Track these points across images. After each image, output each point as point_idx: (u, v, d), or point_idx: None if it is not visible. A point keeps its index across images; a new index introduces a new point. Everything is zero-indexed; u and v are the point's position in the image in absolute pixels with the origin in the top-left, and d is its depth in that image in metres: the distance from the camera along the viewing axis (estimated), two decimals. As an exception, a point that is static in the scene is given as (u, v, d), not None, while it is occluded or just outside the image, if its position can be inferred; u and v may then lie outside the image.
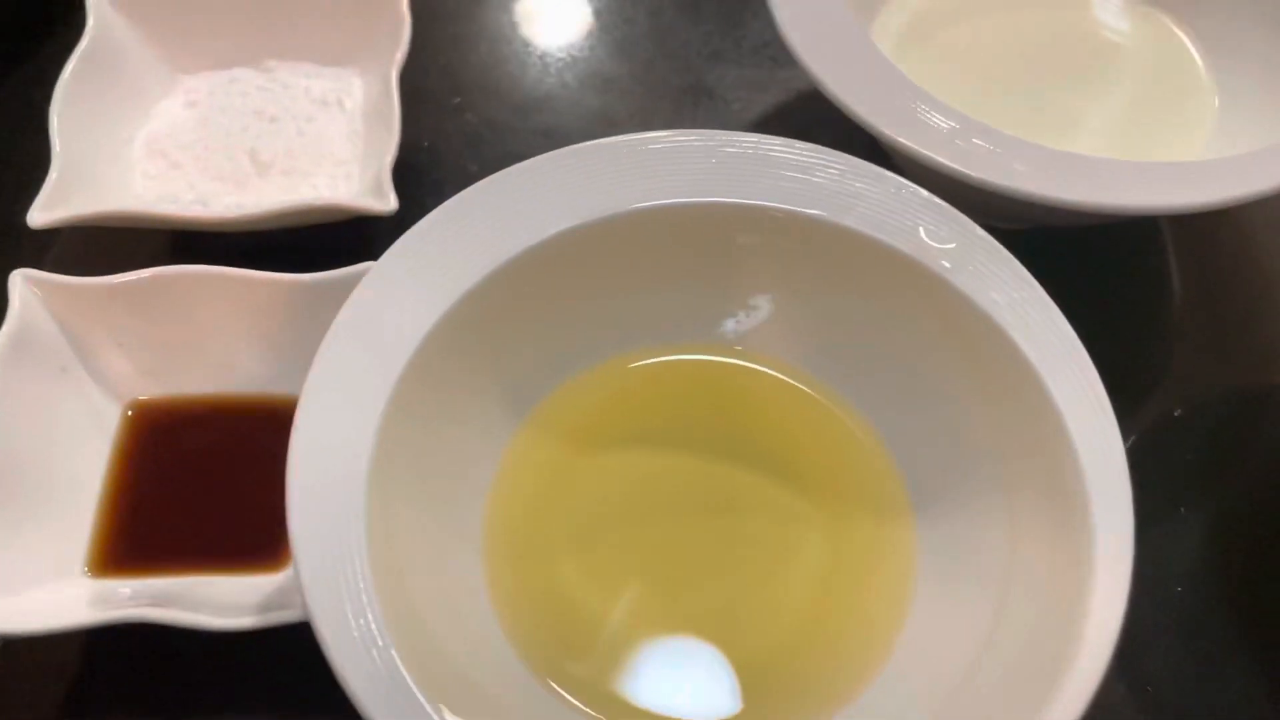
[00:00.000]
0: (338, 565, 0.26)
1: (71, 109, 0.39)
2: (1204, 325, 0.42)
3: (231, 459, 0.36)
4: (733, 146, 0.33)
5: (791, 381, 0.35)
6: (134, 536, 0.34)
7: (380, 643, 0.25)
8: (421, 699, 0.25)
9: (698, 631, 0.32)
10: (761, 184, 0.33)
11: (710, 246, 0.34)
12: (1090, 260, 0.42)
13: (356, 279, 0.34)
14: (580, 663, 0.31)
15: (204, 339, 0.36)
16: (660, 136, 0.33)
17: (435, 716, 0.24)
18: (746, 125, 0.46)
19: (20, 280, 0.35)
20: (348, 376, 0.29)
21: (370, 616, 0.26)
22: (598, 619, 0.32)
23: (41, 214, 0.36)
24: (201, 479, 0.35)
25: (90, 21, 0.40)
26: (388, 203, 0.37)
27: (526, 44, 0.48)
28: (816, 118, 0.47)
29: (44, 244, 0.42)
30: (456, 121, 0.46)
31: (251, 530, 0.34)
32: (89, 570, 0.33)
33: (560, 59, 0.48)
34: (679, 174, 0.33)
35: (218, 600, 0.32)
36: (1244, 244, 0.45)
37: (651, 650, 0.31)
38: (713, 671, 0.31)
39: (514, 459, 0.34)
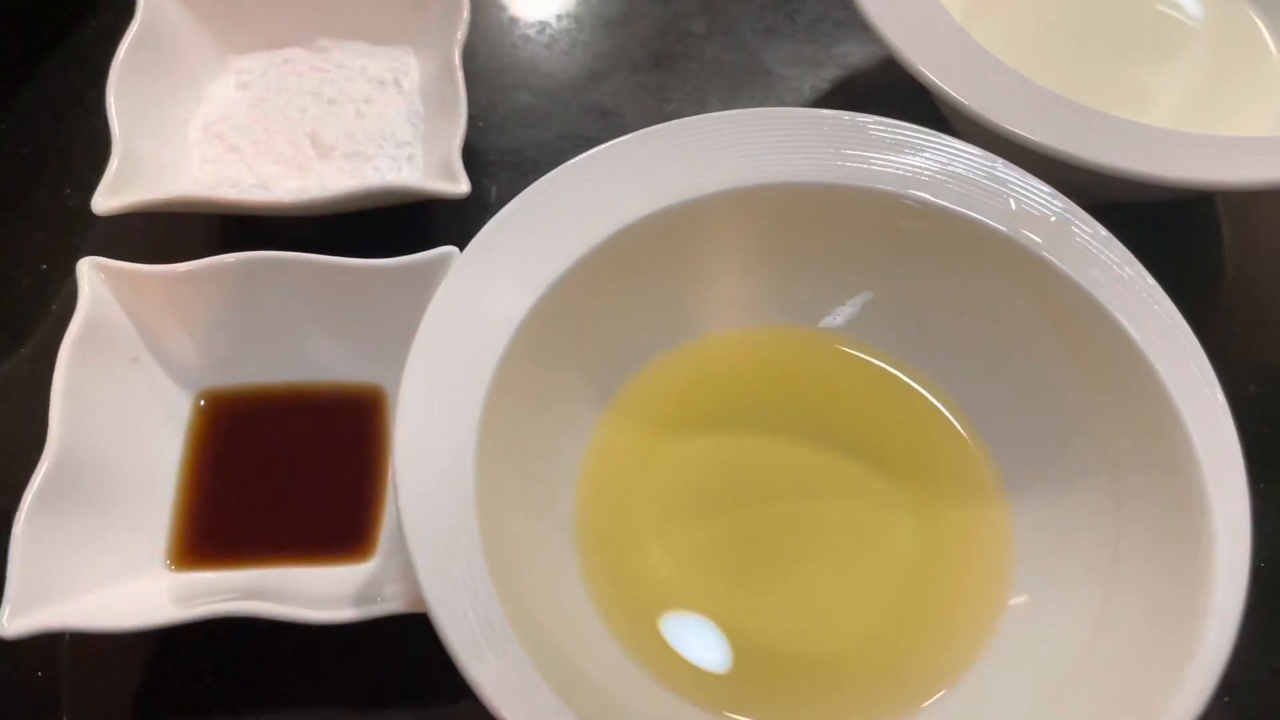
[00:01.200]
0: (452, 560, 0.26)
1: (126, 93, 0.38)
2: (1264, 304, 0.42)
3: (306, 448, 0.35)
4: (821, 124, 0.33)
5: (878, 363, 0.34)
6: (213, 529, 0.33)
7: (503, 637, 0.25)
8: (551, 694, 0.24)
9: (787, 616, 0.32)
10: (851, 163, 0.32)
11: (798, 227, 0.33)
12: (1147, 235, 0.42)
13: (432, 264, 0.34)
14: (667, 650, 0.31)
15: (275, 327, 0.35)
16: (744, 114, 0.33)
17: (567, 711, 0.24)
18: (804, 101, 0.45)
19: (89, 268, 0.34)
20: (447, 367, 0.29)
21: (490, 611, 0.25)
22: (686, 605, 0.32)
23: (106, 200, 0.35)
24: (278, 469, 0.35)
25: (140, 3, 0.39)
26: (459, 185, 0.36)
27: (578, 21, 0.48)
28: (874, 90, 0.47)
29: (93, 229, 0.41)
30: (510, 101, 0.45)
31: (333, 519, 0.34)
32: (170, 564, 0.32)
33: (613, 37, 0.47)
34: (767, 153, 0.32)
35: (306, 592, 0.31)
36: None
37: (741, 637, 0.31)
38: (806, 658, 0.31)
39: (600, 446, 0.33)
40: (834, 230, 0.33)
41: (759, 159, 0.32)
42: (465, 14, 0.40)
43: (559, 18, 0.48)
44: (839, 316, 0.35)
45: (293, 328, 0.35)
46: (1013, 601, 0.31)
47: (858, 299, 0.34)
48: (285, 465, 0.35)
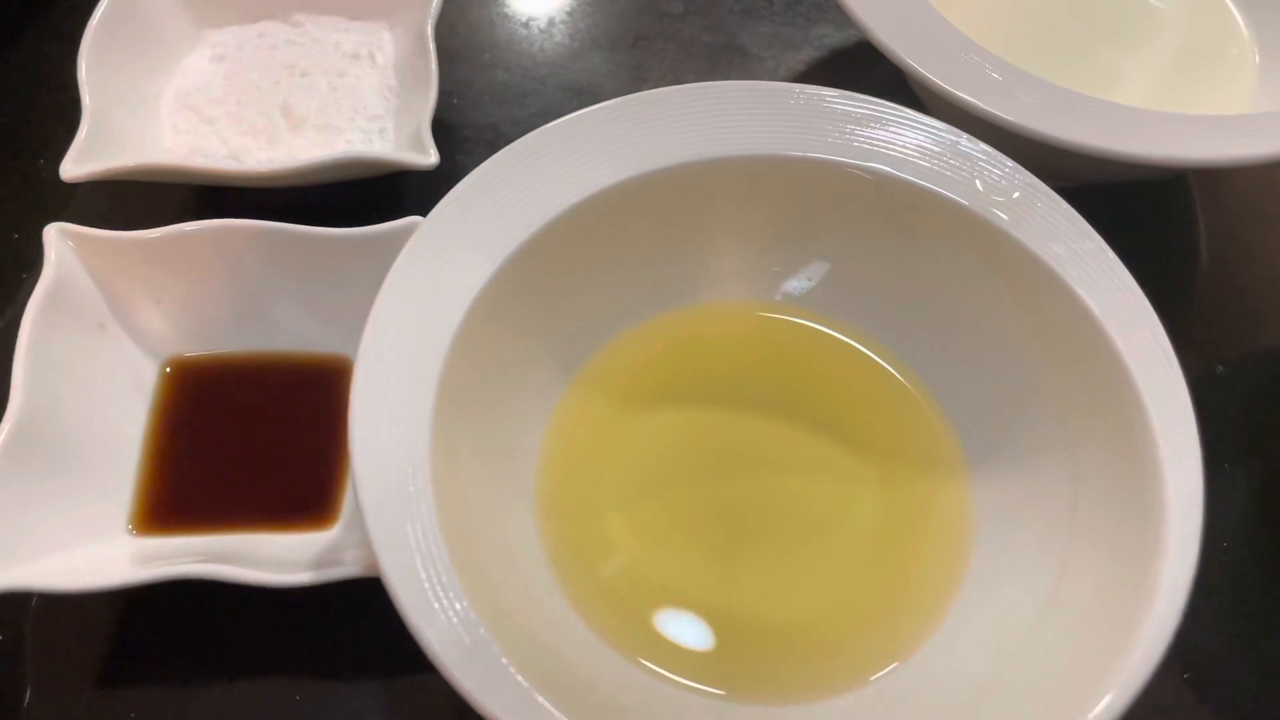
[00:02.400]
0: (406, 521, 0.26)
1: (98, 62, 0.38)
2: (1235, 284, 0.42)
3: (273, 417, 0.35)
4: (787, 98, 0.33)
5: (842, 338, 0.34)
6: (177, 495, 0.33)
7: (454, 600, 0.25)
8: (503, 658, 0.24)
9: (747, 587, 0.32)
10: (816, 136, 0.32)
11: (762, 200, 0.33)
12: (1120, 217, 0.42)
13: (399, 234, 0.34)
14: (629, 618, 0.31)
15: (242, 295, 0.35)
16: (711, 87, 0.33)
17: (517, 675, 0.24)
18: (778, 76, 0.45)
19: (55, 233, 0.34)
20: (405, 332, 0.29)
21: (441, 573, 0.25)
22: (648, 576, 0.32)
23: (74, 167, 0.35)
24: (243, 437, 0.35)
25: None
26: (428, 157, 0.36)
27: (564, 6, 0.48)
28: (850, 74, 0.47)
29: (67, 198, 0.41)
30: (486, 78, 0.45)
31: (297, 487, 0.34)
32: (133, 529, 0.32)
33: (590, 16, 0.47)
34: (731, 126, 0.33)
35: (267, 557, 0.31)
36: (1273, 204, 0.44)
37: (699, 605, 0.31)
38: (762, 627, 0.31)
39: (564, 416, 0.33)
40: (798, 203, 0.33)
41: (723, 132, 0.32)
42: (438, -7, 0.40)
43: (538, -4, 0.48)
44: (804, 291, 0.35)
45: (260, 297, 0.35)
46: (969, 574, 0.31)
47: (822, 273, 0.34)
48: (250, 433, 0.35)
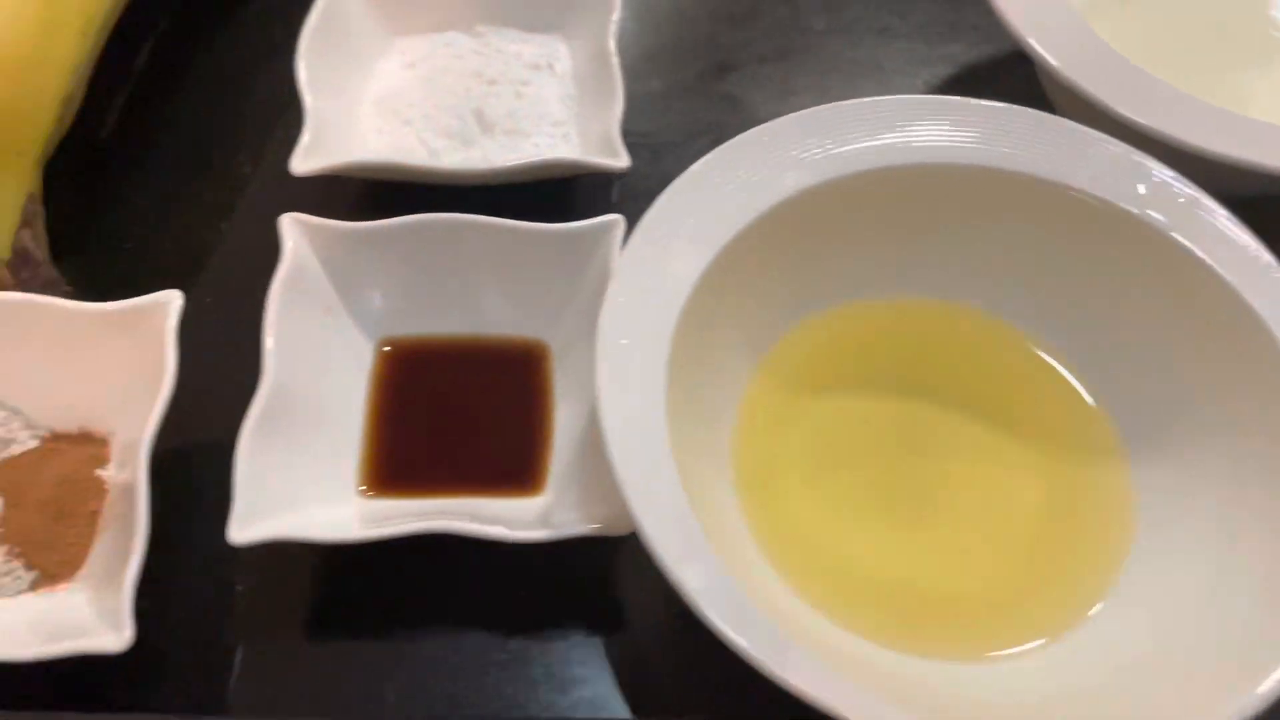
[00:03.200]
0: (653, 483, 0.29)
1: (312, 66, 0.41)
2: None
3: (477, 394, 0.39)
4: (968, 112, 0.36)
5: (1006, 332, 0.38)
6: (398, 462, 0.37)
7: (703, 551, 0.28)
8: (750, 602, 0.27)
9: (922, 559, 0.35)
10: (993, 146, 0.36)
11: (938, 206, 0.36)
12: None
13: (598, 230, 0.38)
14: (818, 581, 0.34)
15: (451, 282, 0.39)
16: (902, 100, 0.36)
17: (766, 619, 0.27)
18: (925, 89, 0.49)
19: (290, 222, 0.37)
20: (635, 316, 0.32)
21: (690, 529, 0.28)
22: (833, 545, 0.35)
23: (301, 163, 0.38)
24: (451, 411, 0.38)
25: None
26: (620, 159, 0.39)
27: (712, 14, 0.51)
28: (984, 89, 0.50)
29: (274, 190, 0.44)
30: (644, 88, 0.48)
31: (503, 458, 0.37)
32: (364, 491, 0.36)
33: (738, 32, 0.50)
34: (919, 135, 0.36)
35: (489, 518, 0.34)
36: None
37: (876, 572, 0.34)
38: (935, 596, 0.34)
39: (752, 396, 0.37)
40: (971, 209, 0.36)
41: (909, 141, 0.36)
42: (617, 7, 0.44)
43: (691, 11, 0.51)
44: (971, 289, 0.38)
45: (466, 284, 0.39)
46: (1131, 554, 0.34)
47: (991, 273, 0.37)
48: (458, 408, 0.38)
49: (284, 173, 0.44)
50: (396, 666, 0.35)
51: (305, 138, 0.39)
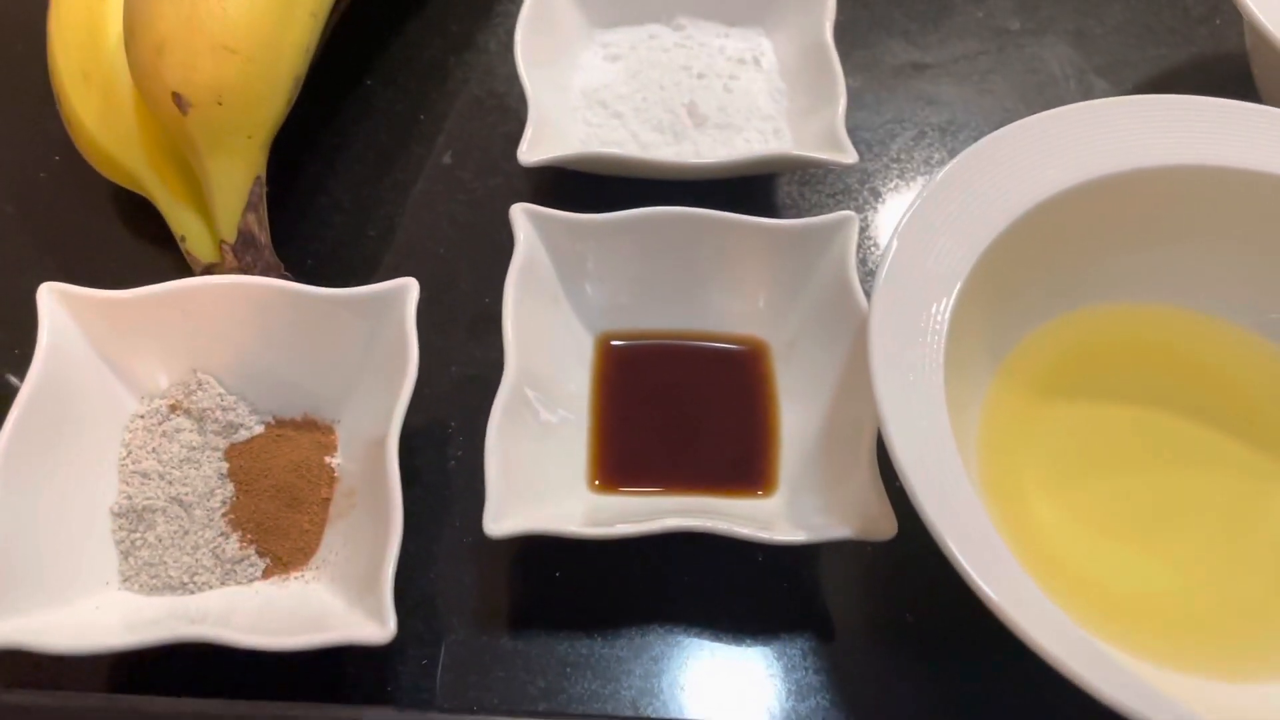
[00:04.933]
0: (945, 485, 0.28)
1: (528, 56, 0.41)
2: None
3: (698, 389, 0.38)
4: (1227, 113, 0.35)
5: (1259, 344, 0.36)
6: (625, 457, 0.36)
7: (1004, 558, 0.27)
8: (1055, 607, 0.26)
9: (1170, 577, 0.33)
10: (1255, 150, 0.34)
11: (1196, 208, 0.35)
12: None
13: (835, 227, 0.37)
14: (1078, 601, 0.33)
15: (675, 276, 0.38)
16: (1159, 100, 0.35)
17: (1072, 620, 0.26)
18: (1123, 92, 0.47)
19: (521, 213, 0.37)
20: (903, 316, 0.31)
21: (989, 535, 0.27)
22: (1080, 556, 0.34)
23: (529, 154, 0.38)
24: (673, 407, 0.37)
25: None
26: (848, 155, 0.38)
27: (905, 13, 0.50)
28: (1190, 92, 0.49)
29: (488, 178, 0.44)
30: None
31: (730, 457, 0.36)
32: (594, 485, 0.35)
33: (931, 32, 0.49)
34: (1180, 136, 0.35)
35: (721, 517, 0.33)
36: None
37: (1129, 588, 0.33)
38: (1189, 616, 0.33)
39: (993, 400, 0.35)
40: (1229, 214, 0.35)
41: (1171, 142, 0.34)
42: (832, 3, 0.43)
43: (890, 15, 0.50)
44: (1222, 297, 0.37)
45: (688, 278, 0.38)
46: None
47: (1245, 282, 0.36)
48: (680, 404, 0.37)
49: (483, 162, 0.45)
50: (634, 659, 0.34)
51: (530, 129, 0.39)
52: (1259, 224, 0.35)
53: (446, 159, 0.45)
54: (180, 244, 0.39)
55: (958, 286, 0.32)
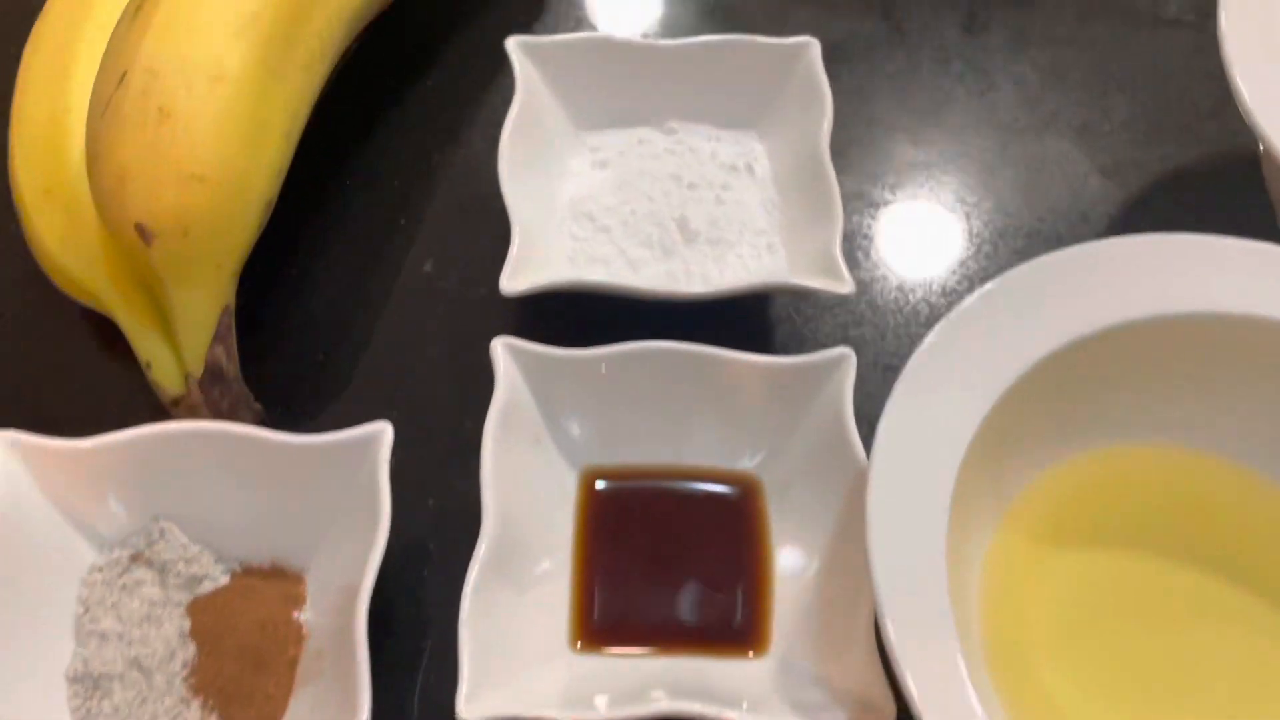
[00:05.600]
0: (945, 655, 0.27)
1: (513, 167, 0.39)
2: None
3: (686, 530, 0.36)
4: (1248, 255, 0.33)
5: (1274, 483, 0.35)
6: (609, 610, 0.34)
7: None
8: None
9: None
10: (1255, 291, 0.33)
11: (1212, 352, 0.33)
12: None
13: (831, 365, 0.35)
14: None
15: (660, 410, 0.36)
16: (1173, 240, 0.33)
17: None
18: (1129, 196, 0.46)
19: (503, 349, 0.35)
20: (906, 474, 0.30)
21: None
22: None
23: (510, 282, 0.36)
24: (660, 551, 0.35)
25: (519, 87, 0.41)
26: (844, 284, 0.37)
27: (901, 104, 0.48)
28: (1205, 193, 0.47)
29: (472, 289, 0.42)
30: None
31: (719, 608, 0.34)
32: (577, 646, 0.33)
33: (929, 127, 0.47)
34: (1198, 278, 0.33)
35: (723, 688, 0.32)
36: None
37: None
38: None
39: (997, 550, 0.34)
40: (1247, 360, 0.33)
41: (1189, 285, 0.33)
42: (829, 108, 0.41)
43: (882, 120, 0.48)
44: (1245, 444, 0.35)
45: (677, 412, 0.36)
46: None
47: (1255, 425, 0.34)
48: (667, 547, 0.36)
49: (466, 271, 0.43)
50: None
51: (513, 252, 0.37)
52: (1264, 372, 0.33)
53: (427, 267, 0.43)
54: (146, 371, 0.37)
55: (962, 454, 0.30)
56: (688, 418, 0.36)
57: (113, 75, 0.34)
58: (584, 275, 0.38)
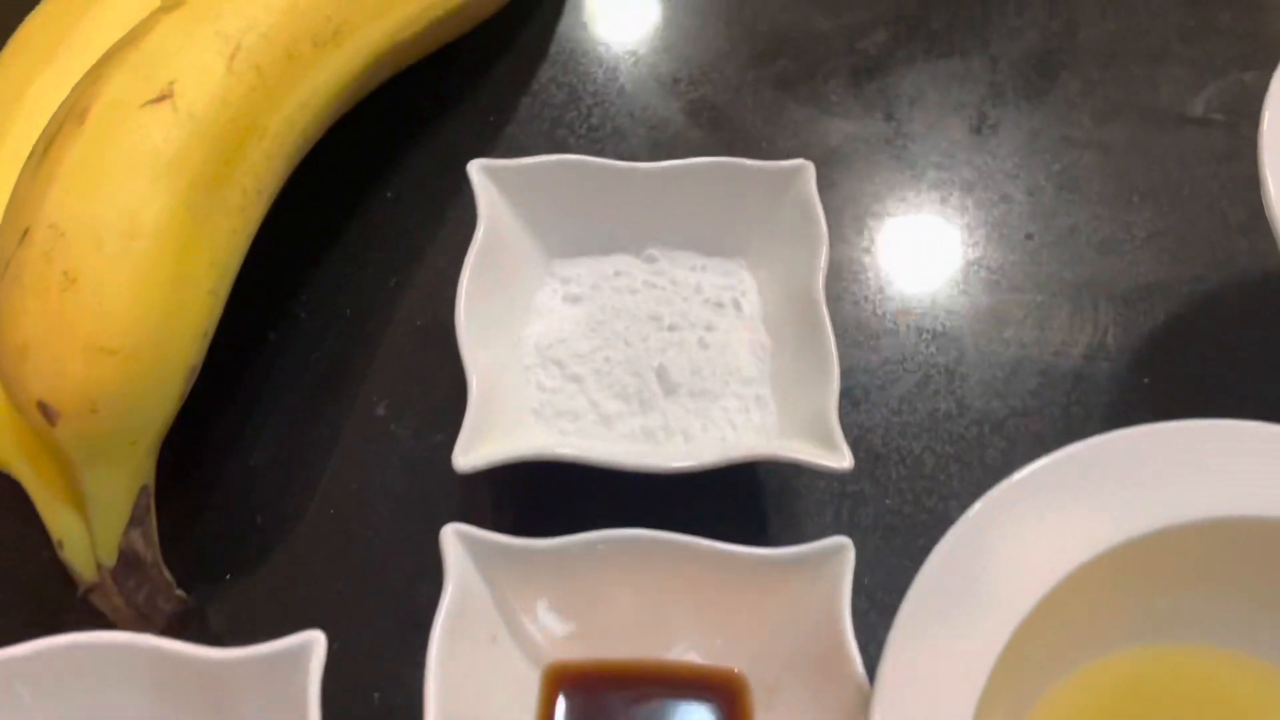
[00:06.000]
0: None
1: (472, 317, 0.35)
2: None
3: (662, 740, 0.32)
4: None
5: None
6: (572, 839, 0.31)
7: None
8: None
9: None
10: None
11: (1259, 556, 0.30)
12: None
13: (825, 557, 0.31)
14: None
15: (633, 602, 0.32)
16: (1214, 428, 0.29)
17: None
18: (1154, 328, 0.42)
19: (454, 538, 0.31)
20: (922, 683, 0.26)
21: None
22: None
23: (465, 459, 0.32)
24: (632, 764, 0.32)
25: (482, 215, 0.37)
26: (842, 459, 0.33)
27: (916, 246, 0.44)
28: (1241, 328, 0.43)
29: (424, 441, 0.38)
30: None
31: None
32: None
33: (940, 249, 0.43)
34: (1226, 476, 0.29)
35: None
36: None
37: None
38: None
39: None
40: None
41: (1232, 484, 0.29)
42: (825, 240, 0.37)
43: (870, 246, 0.44)
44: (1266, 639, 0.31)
45: (651, 605, 0.32)
46: None
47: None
48: (640, 760, 0.32)
49: (423, 413, 0.39)
50: None
51: (469, 420, 0.33)
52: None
53: (380, 410, 0.39)
54: (58, 549, 0.33)
55: (981, 686, 0.26)
56: (664, 611, 0.32)
57: (14, 231, 0.30)
58: (548, 442, 0.34)
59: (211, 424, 0.38)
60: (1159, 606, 0.31)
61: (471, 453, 0.32)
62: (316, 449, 0.38)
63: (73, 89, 0.33)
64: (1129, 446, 0.29)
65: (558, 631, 0.32)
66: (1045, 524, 0.28)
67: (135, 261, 0.30)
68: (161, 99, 0.32)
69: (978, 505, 0.28)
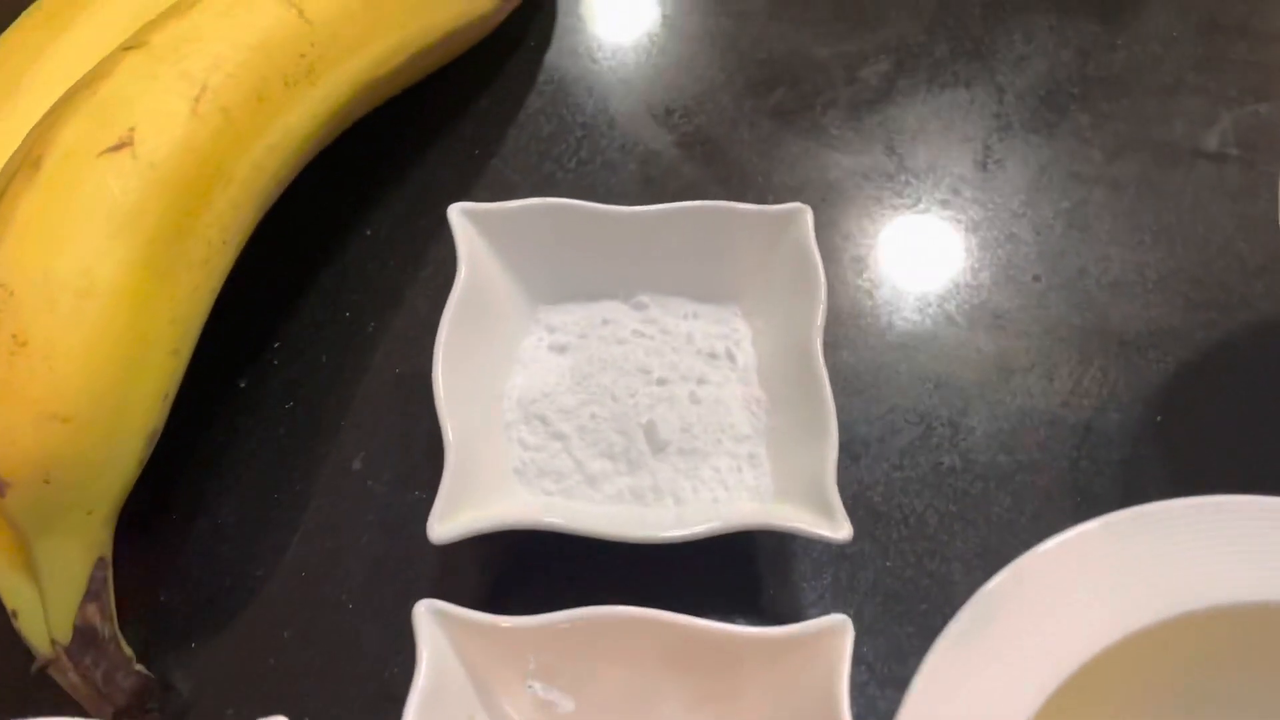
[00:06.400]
0: None
1: (454, 353, 0.33)
2: None
3: (649, 828, 0.31)
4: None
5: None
6: None
7: None
8: None
9: None
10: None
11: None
12: None
13: (818, 636, 0.29)
14: None
15: (623, 680, 0.30)
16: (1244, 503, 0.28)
17: None
18: (1166, 377, 0.40)
19: (427, 616, 0.29)
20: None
21: None
22: None
23: (440, 529, 0.30)
24: None
25: (463, 262, 0.35)
26: (839, 529, 0.31)
27: (919, 290, 0.42)
28: (1264, 370, 0.41)
29: (401, 504, 0.36)
30: (830, 360, 0.40)
31: None
32: None
33: (943, 292, 0.42)
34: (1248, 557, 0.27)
35: None
36: None
37: None
38: None
39: None
40: None
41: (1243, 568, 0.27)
42: (823, 291, 0.35)
43: (884, 282, 0.42)
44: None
45: (639, 682, 0.31)
46: None
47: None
48: None
49: (400, 468, 0.37)
50: None
51: (445, 487, 0.31)
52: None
53: (356, 464, 0.37)
54: (12, 620, 0.31)
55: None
56: (656, 692, 0.31)
57: (-38, 290, 0.29)
58: (529, 510, 0.32)
59: (177, 479, 0.37)
60: (1198, 687, 0.29)
61: (448, 521, 0.31)
62: (288, 507, 0.36)
63: (26, 135, 0.31)
64: (1164, 526, 0.28)
65: (540, 715, 0.31)
66: (1056, 609, 0.26)
67: (90, 322, 0.29)
68: (120, 146, 0.30)
69: (984, 589, 0.27)
